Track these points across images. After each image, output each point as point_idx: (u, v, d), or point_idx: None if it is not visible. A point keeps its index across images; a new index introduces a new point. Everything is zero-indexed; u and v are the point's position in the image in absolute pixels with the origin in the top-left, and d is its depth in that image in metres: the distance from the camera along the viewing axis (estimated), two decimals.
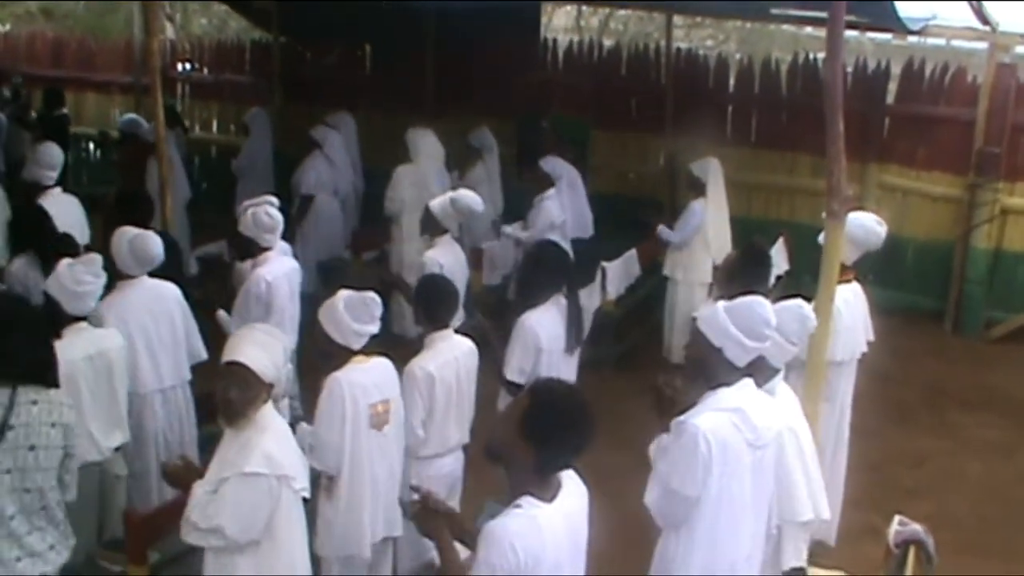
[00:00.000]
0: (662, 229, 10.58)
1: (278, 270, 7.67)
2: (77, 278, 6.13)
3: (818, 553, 7.01)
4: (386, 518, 6.17)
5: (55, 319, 6.01)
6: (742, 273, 6.82)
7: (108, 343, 6.35)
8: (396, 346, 7.14)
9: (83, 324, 6.23)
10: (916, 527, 5.90)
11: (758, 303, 5.01)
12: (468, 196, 8.78)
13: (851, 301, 7.11)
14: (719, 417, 4.86)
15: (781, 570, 5.64)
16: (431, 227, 8.72)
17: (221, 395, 4.95)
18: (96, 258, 6.31)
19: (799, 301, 5.47)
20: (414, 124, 11.77)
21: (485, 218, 11.73)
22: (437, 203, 8.69)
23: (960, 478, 9.10)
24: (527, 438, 3.98)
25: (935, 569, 5.96)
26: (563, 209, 10.64)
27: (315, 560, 5.97)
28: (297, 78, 15.51)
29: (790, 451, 5.48)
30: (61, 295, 6.12)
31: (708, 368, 4.99)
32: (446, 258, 8.42)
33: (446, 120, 13.02)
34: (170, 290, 7.16)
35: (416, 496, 4.55)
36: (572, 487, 4.21)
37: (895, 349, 10.92)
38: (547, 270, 7.12)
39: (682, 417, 4.93)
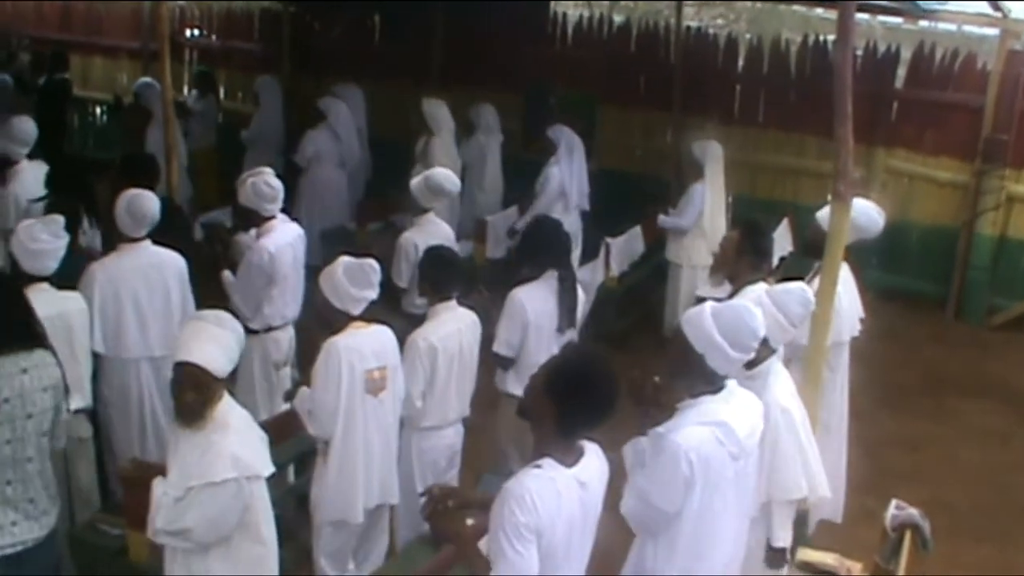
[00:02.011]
0: (662, 219, 10.59)
1: (281, 240, 7.67)
2: (34, 236, 6.14)
3: (821, 532, 7.07)
4: (381, 485, 6.22)
5: (16, 279, 5.97)
6: (743, 252, 6.81)
7: (69, 305, 6.36)
8: (399, 316, 7.19)
9: (44, 285, 6.22)
10: (913, 511, 5.90)
11: (747, 311, 4.82)
12: (442, 175, 8.68)
13: (847, 282, 7.09)
14: (702, 432, 4.68)
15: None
16: (412, 206, 8.70)
17: (176, 397, 4.85)
18: (56, 219, 6.31)
19: (802, 284, 5.45)
20: (421, 96, 11.75)
21: (491, 191, 11.77)
22: (415, 183, 8.65)
23: (956, 464, 9.12)
24: (550, 394, 4.04)
25: (930, 553, 5.97)
26: (569, 177, 10.65)
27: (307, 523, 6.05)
28: (305, 47, 15.47)
29: (783, 430, 5.49)
30: (20, 254, 6.15)
31: (688, 372, 4.78)
32: (423, 238, 8.12)
33: (454, 93, 12.98)
34: (172, 260, 7.17)
35: (423, 499, 4.58)
36: (594, 460, 4.25)
37: (896, 334, 11.02)
38: (542, 245, 7.08)
39: (662, 428, 4.75)
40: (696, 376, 4.77)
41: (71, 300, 6.41)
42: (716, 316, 4.73)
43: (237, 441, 4.78)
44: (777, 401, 5.51)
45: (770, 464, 5.47)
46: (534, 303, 6.86)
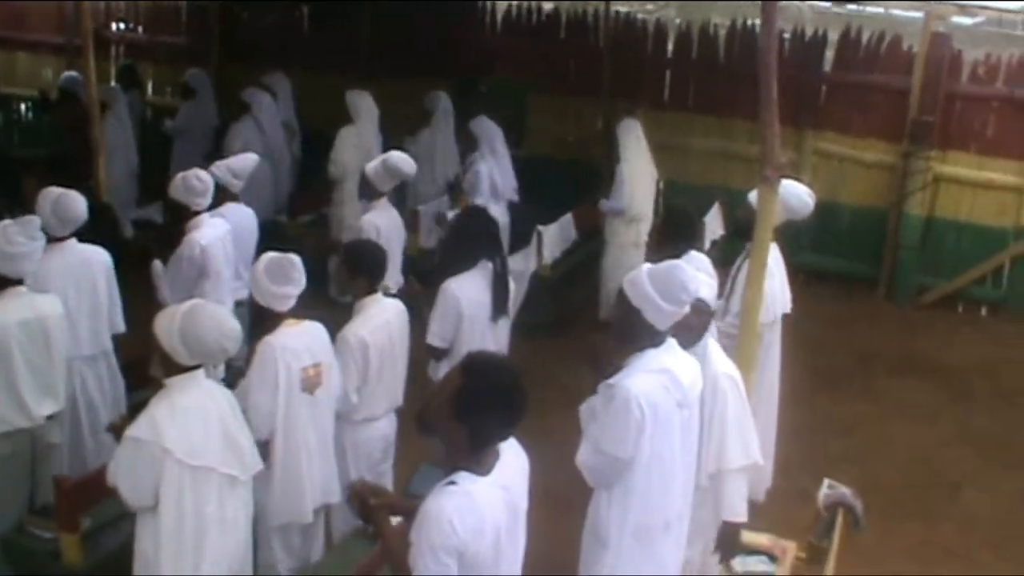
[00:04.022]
0: (603, 203, 10.57)
1: (212, 234, 7.62)
2: (10, 239, 6.05)
3: (756, 514, 7.11)
4: (322, 484, 6.16)
5: None
6: (667, 237, 6.85)
7: (46, 309, 6.29)
8: (332, 309, 7.15)
9: (21, 288, 6.17)
10: (844, 491, 5.99)
11: (678, 268, 5.06)
12: (399, 158, 8.73)
13: (771, 265, 7.13)
14: (650, 379, 4.95)
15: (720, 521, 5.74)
16: (368, 191, 8.69)
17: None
18: (32, 220, 6.25)
19: (677, 262, 5.38)
20: (351, 86, 11.71)
21: (427, 179, 11.74)
22: (371, 167, 8.65)
23: (887, 443, 9.24)
24: (460, 418, 3.94)
25: (863, 531, 6.05)
26: (493, 170, 10.67)
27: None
28: (234, 39, 15.32)
29: (730, 397, 5.66)
30: None
31: (629, 329, 5.04)
32: (383, 221, 8.39)
33: (384, 82, 12.94)
34: (98, 257, 7.09)
35: (351, 491, 4.54)
36: (510, 457, 4.18)
37: (828, 315, 11.16)
38: (473, 236, 7.04)
39: (612, 380, 4.98)
40: (636, 331, 5.01)
41: (48, 304, 6.34)
42: (651, 273, 5.01)
43: (167, 411, 4.83)
44: (720, 370, 5.70)
45: (720, 432, 5.63)
46: (467, 294, 6.83)
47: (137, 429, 4.80)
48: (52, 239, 6.78)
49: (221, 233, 7.73)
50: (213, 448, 4.95)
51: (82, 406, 7.02)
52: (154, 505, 4.83)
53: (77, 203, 6.85)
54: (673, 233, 6.93)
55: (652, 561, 5.16)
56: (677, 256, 6.38)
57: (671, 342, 5.14)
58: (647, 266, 5.11)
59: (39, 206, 6.79)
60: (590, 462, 5.03)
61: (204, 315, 4.96)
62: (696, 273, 5.60)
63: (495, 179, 10.70)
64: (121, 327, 7.20)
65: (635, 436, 4.89)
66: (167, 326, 4.91)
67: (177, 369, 4.94)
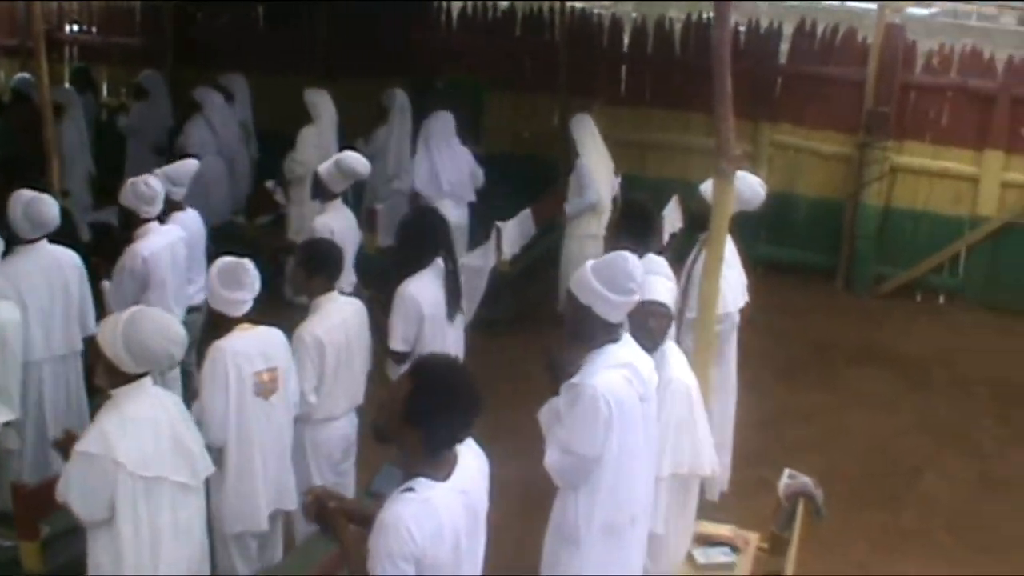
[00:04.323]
0: (568, 207, 10.51)
1: (157, 243, 7.53)
2: None
3: (718, 505, 7.15)
4: (278, 490, 6.10)
5: None
6: (624, 231, 6.84)
7: (3, 316, 6.24)
8: (288, 311, 7.12)
9: None
10: (805, 480, 5.99)
11: (621, 258, 5.05)
12: (352, 158, 8.65)
13: (728, 256, 7.15)
14: (613, 374, 4.93)
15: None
16: (321, 192, 8.62)
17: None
18: None
19: (620, 253, 5.35)
20: (307, 86, 11.66)
21: (384, 178, 11.72)
22: (324, 168, 8.58)
23: (846, 432, 9.30)
24: (413, 423, 3.90)
25: (823, 521, 6.07)
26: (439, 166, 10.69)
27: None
28: (189, 40, 15.22)
29: (677, 407, 5.60)
30: None
31: (583, 327, 5.01)
32: (337, 223, 8.31)
33: (340, 82, 12.89)
34: (68, 257, 7.05)
35: (308, 498, 4.42)
36: (469, 459, 4.14)
37: (786, 306, 11.20)
38: (424, 236, 6.94)
39: (575, 379, 4.95)
40: (589, 328, 4.99)
41: (4, 309, 6.30)
42: (595, 268, 5.00)
43: (117, 423, 4.75)
44: (673, 375, 5.66)
45: (665, 437, 5.56)
46: (426, 295, 6.75)
47: (87, 444, 4.72)
48: (22, 241, 6.77)
49: (172, 240, 7.65)
50: (164, 457, 4.88)
51: (46, 407, 6.95)
52: (107, 518, 4.76)
53: (49, 207, 6.80)
54: (631, 227, 6.92)
55: (620, 558, 5.16)
56: (636, 252, 6.39)
57: (627, 336, 5.13)
58: (591, 262, 5.10)
59: (9, 208, 6.75)
60: (558, 464, 5.00)
61: (147, 321, 4.89)
62: (655, 277, 5.64)
63: (440, 175, 10.66)
64: (93, 328, 7.10)
65: (603, 433, 4.88)
66: (110, 334, 4.83)
67: (123, 378, 4.85)
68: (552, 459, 5.01)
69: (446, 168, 10.66)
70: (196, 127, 11.63)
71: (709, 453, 5.82)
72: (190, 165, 8.41)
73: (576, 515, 5.05)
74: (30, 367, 6.80)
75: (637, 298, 5.08)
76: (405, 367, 6.67)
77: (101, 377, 4.92)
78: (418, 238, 6.94)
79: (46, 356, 6.87)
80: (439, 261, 6.86)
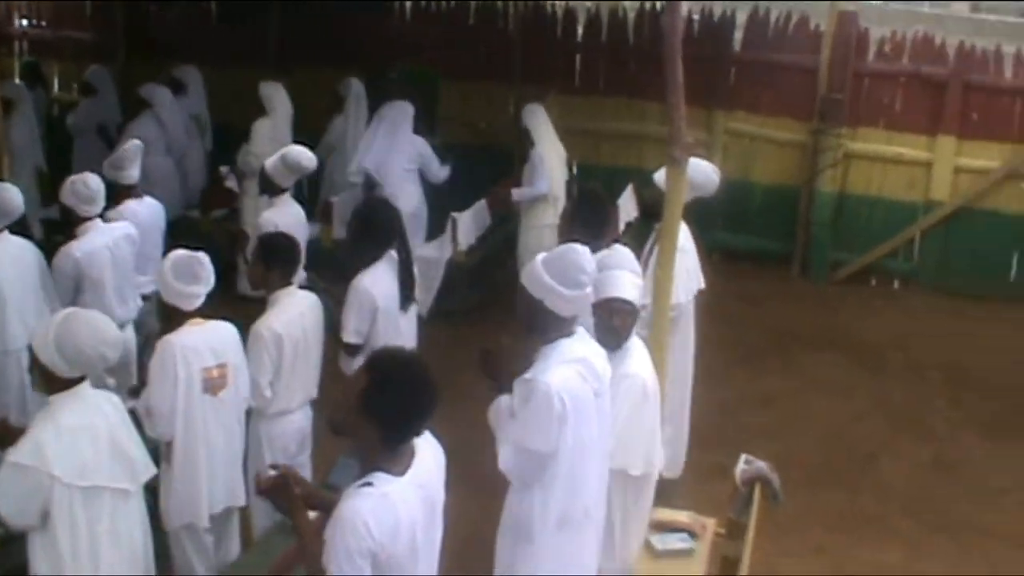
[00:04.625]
0: (516, 192, 10.56)
1: (98, 241, 7.46)
2: None
3: (676, 491, 7.17)
4: (227, 487, 6.08)
5: None
6: (578, 220, 6.82)
7: None
8: (242, 305, 7.09)
9: None
10: (761, 465, 6.02)
11: (572, 251, 4.98)
12: (297, 152, 8.58)
13: (684, 243, 7.15)
14: (567, 370, 4.88)
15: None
16: (269, 187, 8.57)
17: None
18: None
19: (572, 245, 5.32)
20: (262, 78, 11.60)
21: (342, 168, 11.69)
22: (270, 162, 8.53)
23: (804, 417, 9.36)
24: (369, 416, 3.87)
25: (780, 505, 6.10)
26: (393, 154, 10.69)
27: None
28: (141, 33, 15.07)
29: (629, 404, 5.54)
30: None
31: (536, 321, 4.95)
32: (283, 218, 8.17)
33: (295, 74, 12.82)
34: (32, 250, 7.13)
35: (273, 472, 4.34)
36: (426, 452, 4.12)
37: (743, 293, 11.26)
38: (376, 228, 6.92)
39: (528, 375, 4.90)
40: (542, 322, 4.94)
41: None
42: (546, 262, 4.94)
43: (53, 433, 4.65)
44: (631, 371, 5.60)
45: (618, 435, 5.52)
46: (379, 287, 6.73)
47: (19, 454, 4.61)
48: None
49: (114, 237, 7.57)
50: (102, 465, 4.78)
51: (30, 399, 6.86)
52: (38, 525, 4.68)
53: (14, 196, 6.86)
54: (584, 217, 6.87)
55: (574, 551, 5.14)
56: (593, 243, 6.37)
57: (581, 330, 5.08)
58: (542, 255, 5.03)
59: None
60: (513, 463, 4.94)
61: (80, 323, 4.79)
62: (620, 272, 5.62)
63: (389, 162, 10.67)
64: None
65: (557, 429, 4.83)
66: (43, 339, 4.73)
67: (59, 384, 4.76)
68: (506, 459, 4.95)
69: (394, 156, 10.64)
70: (142, 125, 11.39)
71: (658, 451, 5.80)
72: (133, 147, 8.31)
73: (531, 511, 5.00)
74: (9, 356, 6.92)
75: (589, 291, 5.02)
76: (358, 360, 6.71)
77: (39, 383, 4.84)
78: (370, 230, 6.90)
79: (24, 345, 6.71)
80: (392, 252, 6.84)
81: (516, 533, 5.10)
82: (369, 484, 3.90)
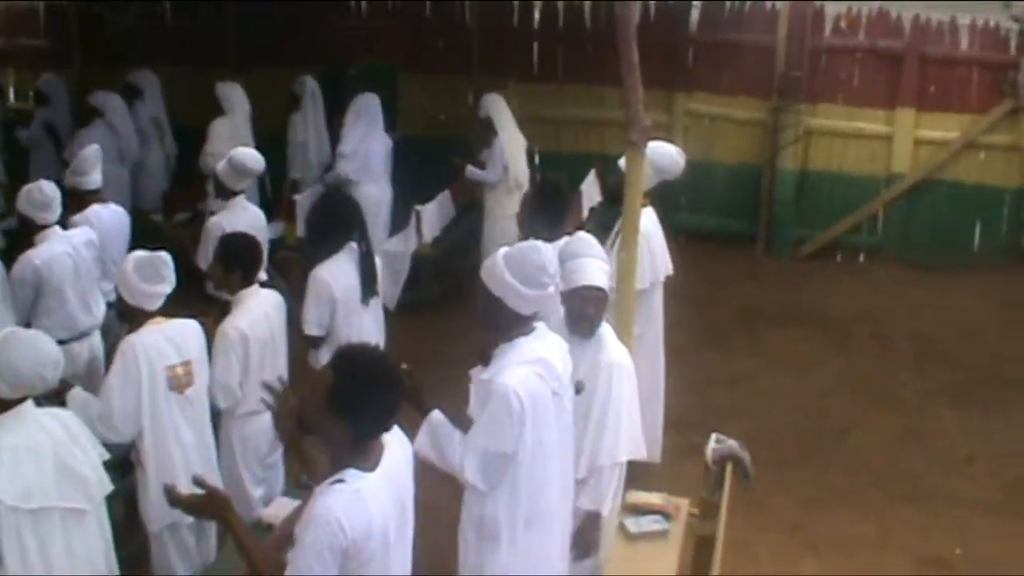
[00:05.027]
0: (470, 170, 10.59)
1: (57, 249, 7.39)
2: None
3: (648, 473, 7.18)
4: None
5: None
6: (538, 210, 6.82)
7: None
8: (210, 306, 7.07)
9: None
10: (732, 443, 6.02)
11: (534, 249, 4.90)
12: (244, 154, 8.50)
13: (650, 228, 7.17)
14: (525, 371, 4.81)
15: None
16: (221, 191, 8.53)
17: None
18: None
19: (533, 243, 5.14)
20: (220, 79, 11.56)
21: (302, 166, 11.67)
22: (220, 166, 8.48)
23: (774, 394, 9.42)
24: (336, 414, 3.85)
25: (753, 483, 6.12)
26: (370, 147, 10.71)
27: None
28: (96, 38, 14.95)
29: (620, 392, 5.58)
30: None
31: (495, 318, 4.90)
32: (233, 222, 7.99)
33: (253, 73, 12.78)
34: None
35: (199, 490, 4.28)
36: (395, 446, 4.10)
37: (709, 273, 11.30)
38: (335, 220, 6.93)
39: (485, 376, 4.86)
40: (502, 320, 4.88)
41: None
42: (507, 259, 4.86)
43: None
44: (614, 359, 5.63)
45: (601, 424, 5.55)
46: (338, 279, 6.75)
47: None
48: None
49: (73, 244, 7.50)
50: (49, 486, 4.71)
51: None
52: None
53: None
54: (543, 207, 6.87)
55: (543, 551, 5.12)
56: (553, 232, 6.37)
57: (541, 327, 5.00)
58: (503, 251, 4.95)
59: None
60: (476, 468, 4.86)
61: (18, 344, 4.74)
62: (588, 259, 5.63)
63: (370, 157, 10.67)
64: None
65: (517, 430, 4.78)
66: None
67: (2, 406, 4.71)
68: (471, 469, 4.86)
69: (374, 150, 10.67)
70: (95, 133, 11.08)
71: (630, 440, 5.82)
72: (92, 152, 8.26)
73: (496, 511, 4.95)
74: None
75: (552, 291, 4.95)
76: (321, 351, 6.72)
77: None
78: (329, 222, 6.92)
79: None
80: (352, 245, 6.85)
81: (480, 533, 5.05)
82: (341, 481, 3.88)
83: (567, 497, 5.25)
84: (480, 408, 4.88)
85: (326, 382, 3.89)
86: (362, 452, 3.95)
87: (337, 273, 6.77)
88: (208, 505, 4.27)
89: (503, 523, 4.97)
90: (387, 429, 4.03)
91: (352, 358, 3.97)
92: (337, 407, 3.85)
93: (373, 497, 3.91)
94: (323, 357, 6.82)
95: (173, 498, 4.34)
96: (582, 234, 6.21)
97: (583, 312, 5.52)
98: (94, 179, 8.17)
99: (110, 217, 8.20)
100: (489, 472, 4.88)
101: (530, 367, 4.83)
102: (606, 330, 5.73)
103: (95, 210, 8.07)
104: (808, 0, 12.28)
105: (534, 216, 6.75)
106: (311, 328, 6.76)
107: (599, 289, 5.58)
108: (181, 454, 5.90)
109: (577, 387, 5.38)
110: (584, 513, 5.57)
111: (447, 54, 13.73)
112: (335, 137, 11.21)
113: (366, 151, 10.74)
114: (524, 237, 6.72)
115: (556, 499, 5.11)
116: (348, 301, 6.78)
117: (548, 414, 4.90)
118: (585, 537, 5.60)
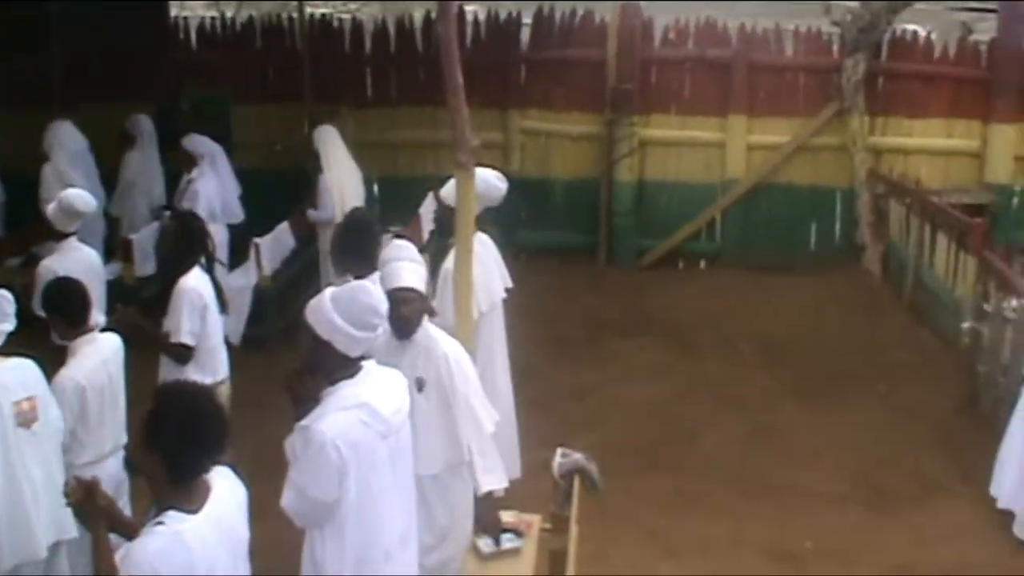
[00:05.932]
0: (311, 213, 10.48)
1: None
2: None
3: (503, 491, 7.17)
4: (54, 520, 5.87)
5: None
6: (347, 246, 6.75)
7: None
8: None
9: None
10: (577, 456, 6.04)
11: (363, 291, 4.77)
12: (72, 196, 8.24)
13: (480, 252, 7.11)
14: (346, 418, 4.65)
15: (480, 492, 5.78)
16: (52, 233, 8.30)
17: None
18: None
19: (361, 284, 5.02)
20: (49, 118, 11.27)
21: (140, 206, 11.43)
22: (50, 208, 8.26)
23: (625, 403, 9.49)
24: (152, 448, 3.76)
25: (602, 494, 6.14)
26: (216, 190, 10.50)
27: None
28: None
29: (469, 372, 5.72)
30: None
31: (320, 361, 4.72)
32: (64, 264, 7.74)
33: (82, 110, 12.45)
34: None
35: (81, 483, 4.19)
36: (224, 488, 4.00)
37: (553, 287, 11.36)
38: (189, 238, 7.05)
39: (306, 421, 4.66)
40: (329, 362, 4.71)
41: None
42: (334, 301, 4.68)
43: None
44: (449, 349, 5.70)
45: (468, 405, 5.66)
46: (204, 288, 6.89)
47: None
48: None
49: None
50: None
51: None
52: None
53: None
54: (353, 241, 6.75)
55: None
56: (364, 268, 6.29)
57: (367, 367, 4.83)
58: (329, 292, 4.77)
59: None
60: (295, 506, 4.71)
61: None
62: (399, 263, 5.66)
63: (213, 199, 10.47)
64: None
65: (336, 479, 4.62)
66: None
67: None
68: (289, 500, 4.71)
69: (213, 190, 10.53)
70: None
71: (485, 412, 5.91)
72: None
73: (324, 553, 4.78)
74: None
75: (380, 332, 4.86)
76: (189, 366, 6.73)
77: None
78: (184, 241, 7.08)
79: None
80: (203, 261, 7.03)
81: (316, 572, 4.87)
82: (161, 523, 3.77)
83: (408, 536, 5.09)
84: (301, 452, 4.67)
85: (146, 416, 3.82)
86: (184, 492, 3.84)
87: (202, 282, 6.89)
88: (88, 498, 4.14)
89: (330, 565, 4.79)
90: (206, 470, 3.91)
91: (173, 393, 3.90)
92: (152, 441, 3.77)
93: (196, 539, 3.79)
94: (190, 370, 6.82)
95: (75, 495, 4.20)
96: (397, 240, 6.22)
97: (398, 313, 5.46)
98: None
99: None
100: (305, 514, 4.74)
101: (352, 413, 4.66)
102: (430, 327, 5.76)
103: None
104: (636, 13, 12.44)
105: (344, 252, 6.69)
106: (186, 336, 6.80)
107: (411, 290, 5.61)
108: (31, 490, 5.73)
109: (418, 384, 5.44)
110: (482, 496, 5.70)
111: (280, 83, 13.59)
112: (168, 174, 11.01)
113: (226, 192, 10.59)
114: (338, 273, 6.72)
115: (393, 541, 4.94)
116: (212, 309, 6.94)
117: (375, 459, 4.74)
118: (484, 519, 5.69)
